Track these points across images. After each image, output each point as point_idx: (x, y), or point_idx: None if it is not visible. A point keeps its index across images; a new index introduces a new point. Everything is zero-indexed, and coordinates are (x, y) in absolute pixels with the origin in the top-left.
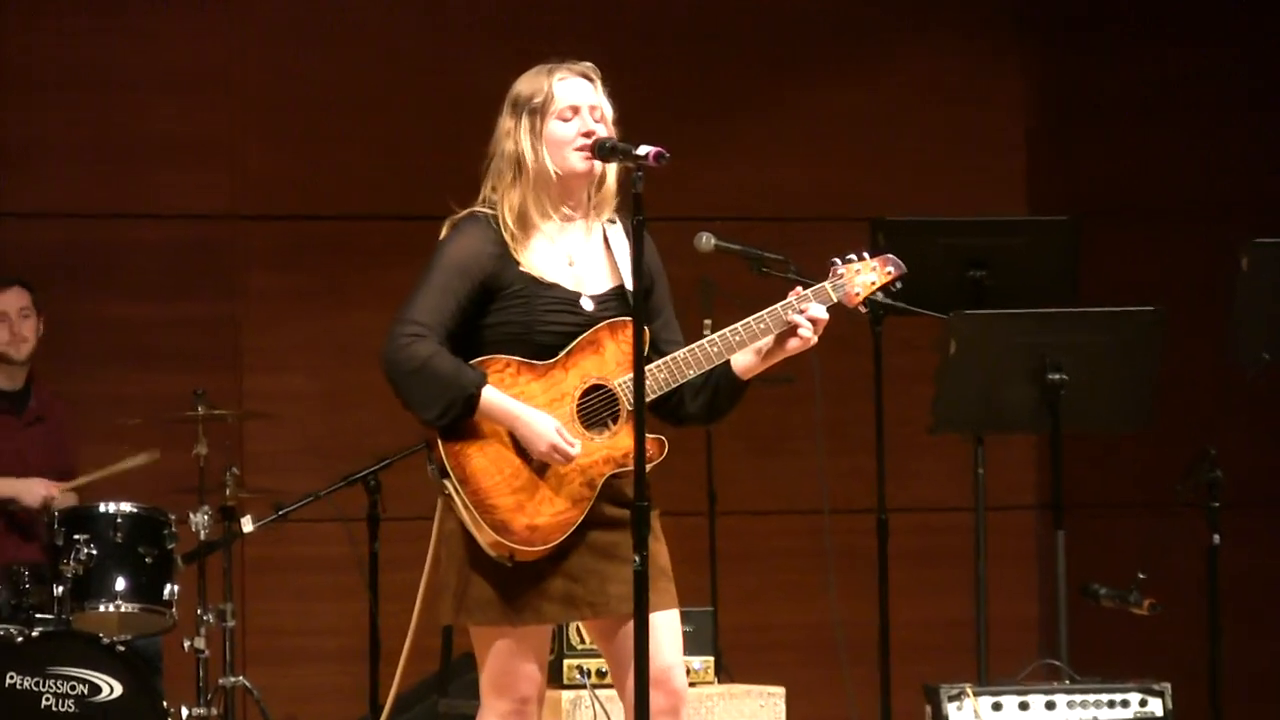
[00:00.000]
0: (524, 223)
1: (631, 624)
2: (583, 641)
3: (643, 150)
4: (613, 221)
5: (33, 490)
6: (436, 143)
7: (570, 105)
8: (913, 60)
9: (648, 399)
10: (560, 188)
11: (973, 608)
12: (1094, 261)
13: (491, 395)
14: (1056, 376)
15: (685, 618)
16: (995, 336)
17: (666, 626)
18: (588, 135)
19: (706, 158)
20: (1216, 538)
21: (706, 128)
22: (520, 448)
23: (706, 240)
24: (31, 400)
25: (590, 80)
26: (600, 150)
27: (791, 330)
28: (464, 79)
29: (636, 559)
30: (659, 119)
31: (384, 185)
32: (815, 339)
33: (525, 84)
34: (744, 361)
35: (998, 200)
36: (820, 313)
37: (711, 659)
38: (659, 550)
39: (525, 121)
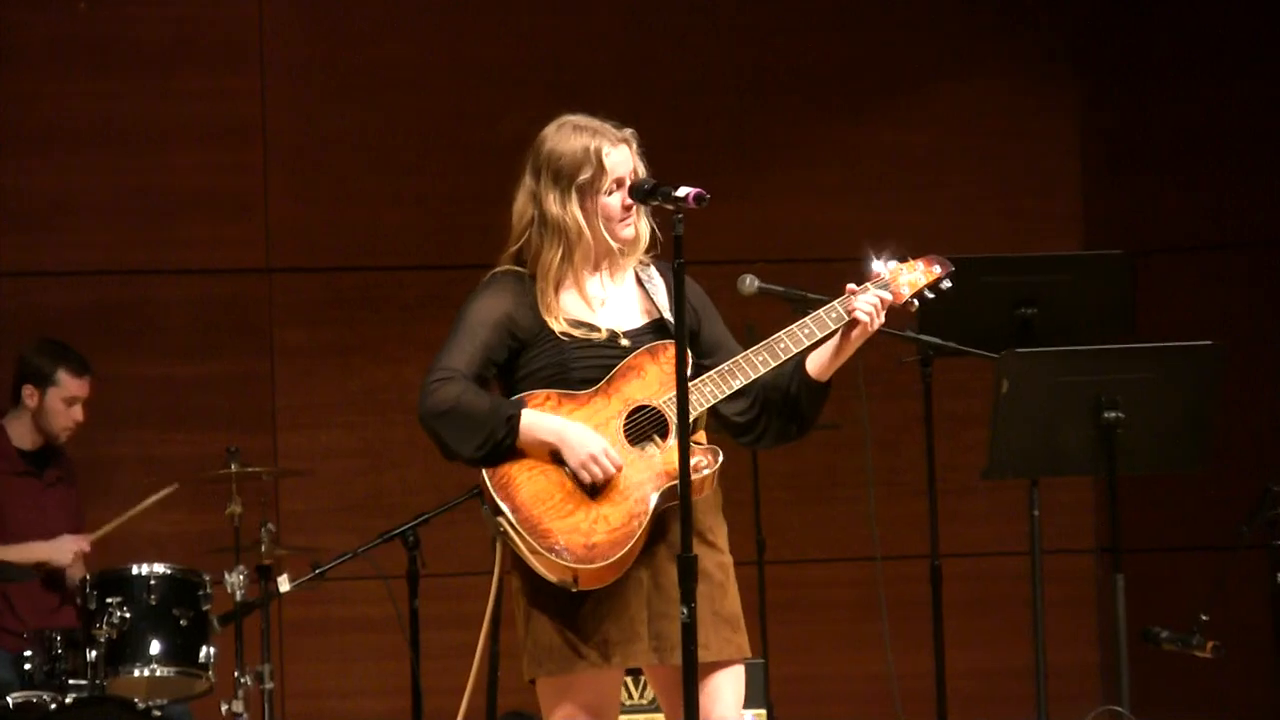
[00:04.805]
0: (560, 285)
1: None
2: (630, 698)
3: (682, 192)
4: (644, 264)
5: (63, 548)
6: (470, 192)
7: (617, 179)
8: (964, 99)
9: (697, 411)
10: (607, 248)
11: (1031, 655)
12: (1154, 299)
13: (532, 415)
14: (1112, 415)
15: None
16: (1047, 375)
17: (730, 680)
18: (628, 209)
19: (750, 199)
20: None
21: (750, 168)
22: (568, 469)
23: (750, 283)
24: (52, 461)
25: (629, 144)
26: (638, 193)
27: (852, 323)
28: (498, 129)
29: (684, 610)
30: (700, 160)
31: (418, 236)
32: (879, 322)
33: (566, 150)
34: (816, 362)
35: (1053, 240)
36: (865, 305)
37: (764, 711)
38: (724, 597)
39: (575, 197)
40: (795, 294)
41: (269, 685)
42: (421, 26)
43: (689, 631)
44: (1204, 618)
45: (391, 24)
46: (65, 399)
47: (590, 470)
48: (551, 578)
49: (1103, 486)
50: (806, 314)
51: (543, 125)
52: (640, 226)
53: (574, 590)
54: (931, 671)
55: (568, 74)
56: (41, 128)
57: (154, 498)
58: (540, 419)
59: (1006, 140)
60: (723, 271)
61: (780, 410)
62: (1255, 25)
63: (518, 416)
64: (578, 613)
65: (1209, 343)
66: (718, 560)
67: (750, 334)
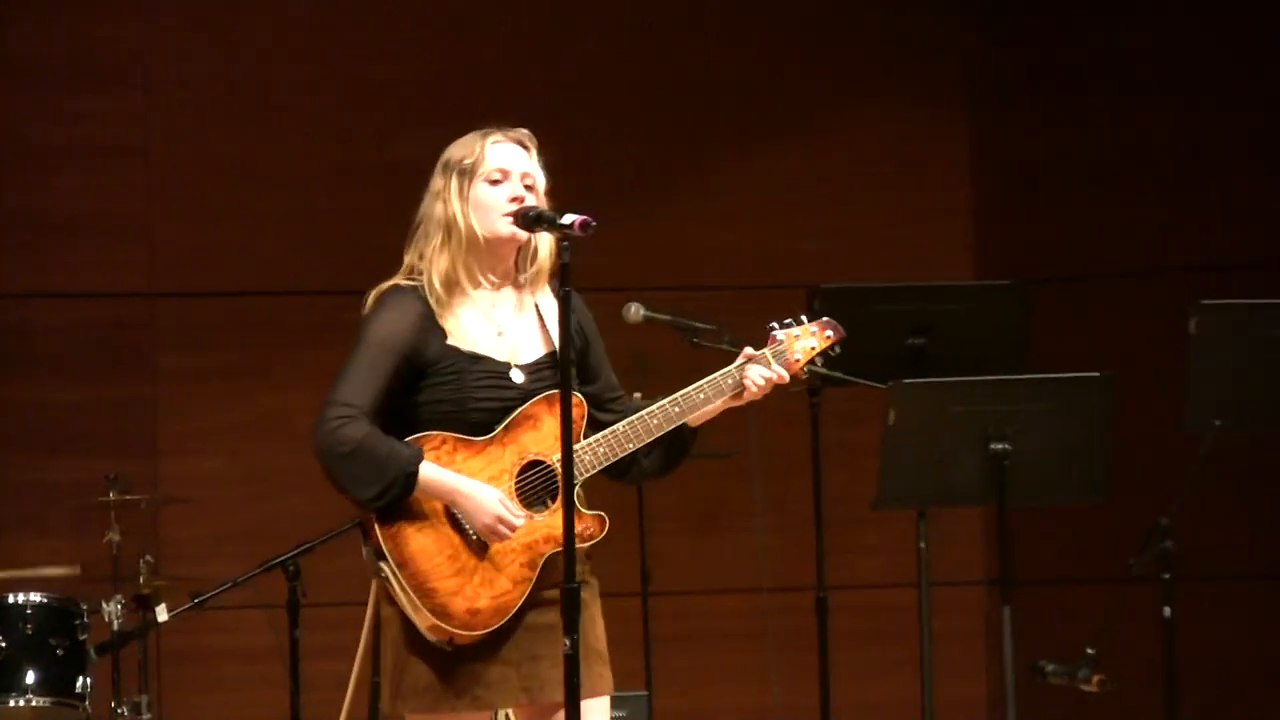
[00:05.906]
0: (451, 288)
1: (562, 712)
2: None
3: (568, 219)
4: (544, 291)
5: None
6: (359, 216)
7: (500, 168)
8: (856, 126)
9: (588, 474)
10: (487, 252)
11: (920, 688)
12: (1046, 329)
13: (430, 470)
14: (1000, 446)
15: (619, 703)
16: (935, 406)
17: (598, 712)
18: (515, 200)
19: (643, 225)
20: (1168, 610)
21: (643, 195)
22: (460, 527)
23: (635, 310)
24: None
25: (525, 147)
26: (524, 219)
27: (741, 388)
28: (388, 151)
29: (567, 642)
30: (593, 186)
31: (305, 261)
32: (764, 393)
33: (458, 147)
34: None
35: (945, 268)
36: (759, 378)
37: None
38: (595, 632)
39: (455, 183)
40: (682, 322)
41: (146, 716)
42: (308, 47)
43: (571, 663)
44: (1090, 651)
45: (278, 44)
46: None
47: (494, 535)
48: (430, 636)
49: (994, 518)
50: (693, 342)
51: (433, 145)
52: (539, 245)
53: (449, 650)
54: (819, 703)
55: (455, 94)
56: None
57: (53, 570)
58: (439, 475)
59: (898, 169)
60: (616, 299)
61: (648, 452)
62: (1143, 56)
63: (416, 473)
64: (454, 658)
65: (1099, 374)
66: (591, 590)
67: (642, 364)
